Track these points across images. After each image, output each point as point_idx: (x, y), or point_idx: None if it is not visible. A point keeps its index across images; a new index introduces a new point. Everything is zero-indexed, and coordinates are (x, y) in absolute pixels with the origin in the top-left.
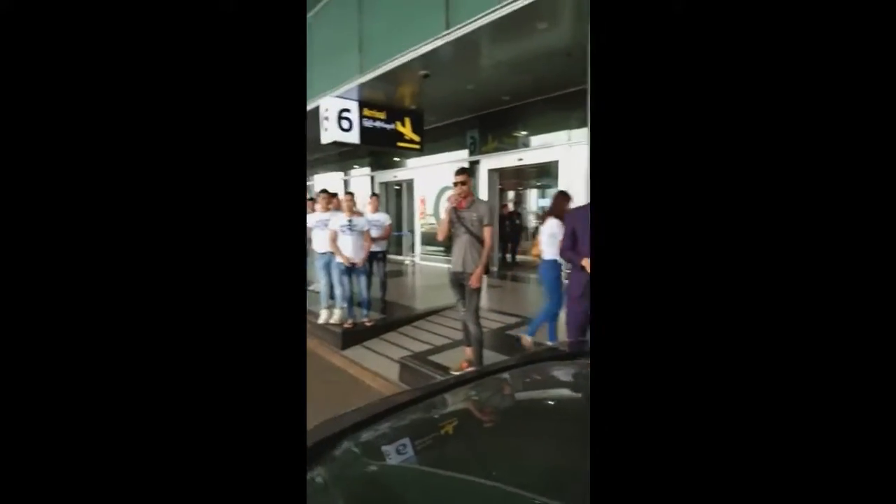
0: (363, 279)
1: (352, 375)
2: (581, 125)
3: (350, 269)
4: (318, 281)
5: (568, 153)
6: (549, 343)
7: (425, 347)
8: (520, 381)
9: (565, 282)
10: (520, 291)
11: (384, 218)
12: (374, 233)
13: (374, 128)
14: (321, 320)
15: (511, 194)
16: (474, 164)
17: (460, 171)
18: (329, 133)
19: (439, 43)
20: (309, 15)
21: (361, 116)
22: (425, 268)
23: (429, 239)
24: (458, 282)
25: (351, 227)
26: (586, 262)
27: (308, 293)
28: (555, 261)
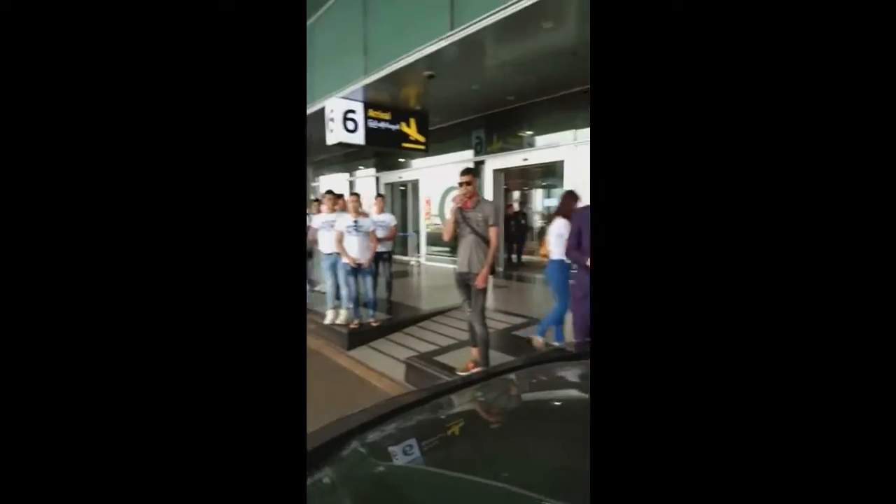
0: (369, 280)
1: (358, 376)
2: (587, 125)
3: (356, 270)
4: (324, 282)
5: (574, 153)
6: (556, 344)
7: (431, 348)
8: (526, 382)
9: (572, 282)
10: (525, 292)
11: (389, 218)
12: (380, 233)
13: (380, 129)
14: (327, 321)
15: (516, 194)
16: (479, 164)
17: (465, 172)
18: (334, 134)
19: (444, 43)
20: (314, 18)
21: (366, 117)
22: (430, 268)
23: (434, 239)
24: (464, 282)
25: (357, 227)
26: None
27: (314, 294)
28: (562, 261)
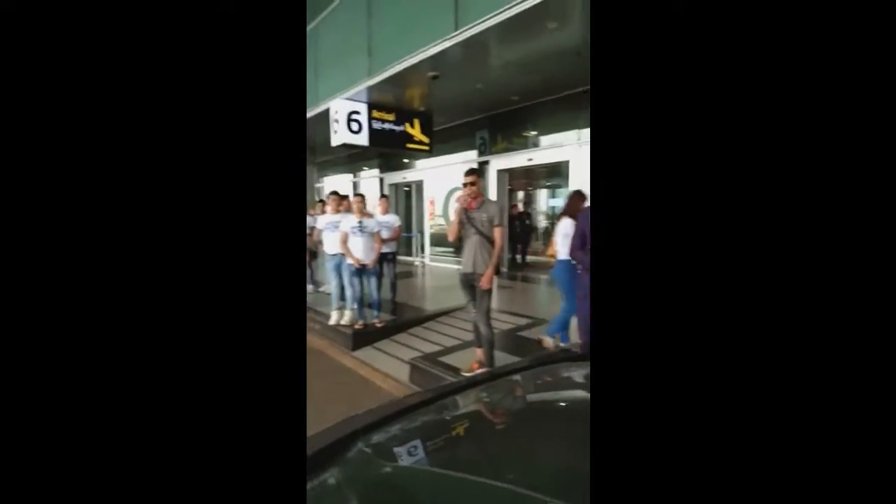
0: (374, 280)
1: (362, 376)
2: None
3: (360, 271)
4: (328, 282)
5: (578, 153)
6: (561, 344)
7: (436, 348)
8: (531, 383)
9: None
10: (530, 292)
11: (394, 219)
12: (385, 234)
13: (384, 130)
14: (332, 321)
15: (521, 195)
16: (484, 164)
17: (470, 172)
18: (339, 135)
19: (448, 44)
20: (318, 20)
21: (371, 118)
22: (434, 269)
23: (438, 240)
24: (469, 283)
25: (361, 228)
26: None
27: (319, 295)
28: (569, 261)
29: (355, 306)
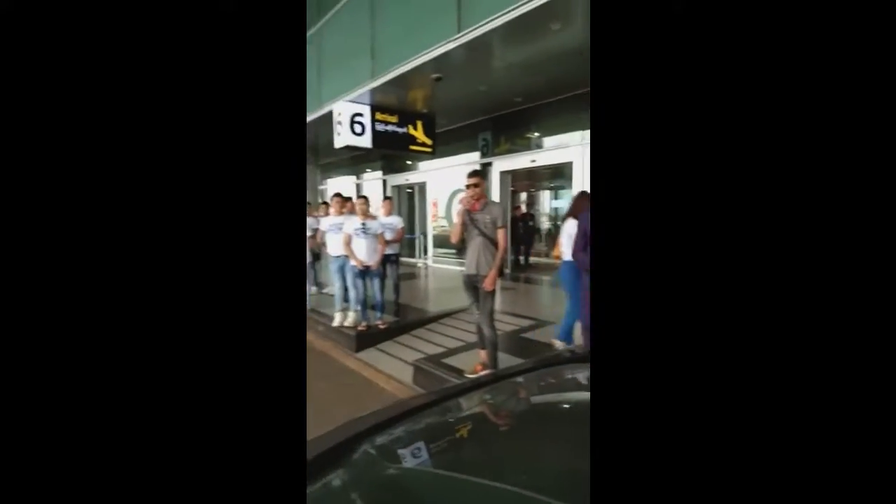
0: (377, 282)
1: (366, 378)
2: None
3: (364, 272)
4: (332, 284)
5: (582, 154)
6: (566, 346)
7: (439, 350)
8: (535, 385)
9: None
10: (533, 294)
11: (397, 221)
12: (388, 236)
13: (387, 132)
14: (335, 323)
15: (524, 196)
16: (486, 166)
17: (473, 174)
18: (342, 137)
19: (451, 46)
20: (322, 22)
21: (374, 120)
22: (437, 270)
23: (441, 241)
24: (472, 284)
25: (365, 230)
26: None
27: (322, 296)
28: (574, 262)
29: (359, 308)
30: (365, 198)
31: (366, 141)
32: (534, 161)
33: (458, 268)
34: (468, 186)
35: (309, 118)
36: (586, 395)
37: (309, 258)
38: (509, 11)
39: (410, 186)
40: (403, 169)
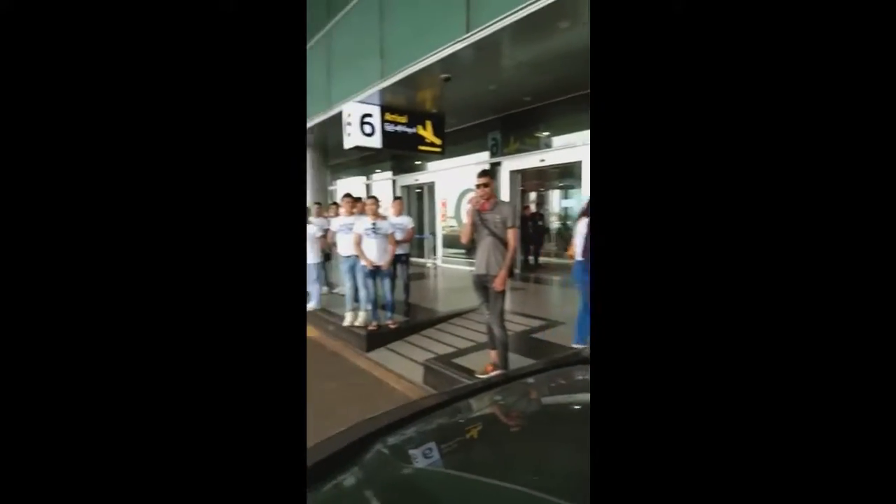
0: (387, 282)
1: (376, 377)
2: None
3: (374, 272)
4: (343, 284)
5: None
6: (576, 346)
7: (449, 350)
8: (546, 386)
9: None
10: (543, 294)
11: (407, 221)
12: (398, 236)
13: (396, 132)
14: (346, 323)
15: (533, 195)
16: (496, 165)
17: (482, 174)
18: (352, 138)
19: (460, 46)
20: (331, 23)
21: (383, 121)
22: (447, 270)
23: (450, 241)
24: (482, 284)
25: (375, 230)
26: None
27: (333, 296)
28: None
29: (369, 308)
30: (375, 198)
31: (375, 141)
32: (543, 160)
33: (468, 268)
34: (478, 186)
35: (319, 119)
36: None
37: (320, 258)
38: (518, 11)
39: (420, 186)
40: (413, 169)
